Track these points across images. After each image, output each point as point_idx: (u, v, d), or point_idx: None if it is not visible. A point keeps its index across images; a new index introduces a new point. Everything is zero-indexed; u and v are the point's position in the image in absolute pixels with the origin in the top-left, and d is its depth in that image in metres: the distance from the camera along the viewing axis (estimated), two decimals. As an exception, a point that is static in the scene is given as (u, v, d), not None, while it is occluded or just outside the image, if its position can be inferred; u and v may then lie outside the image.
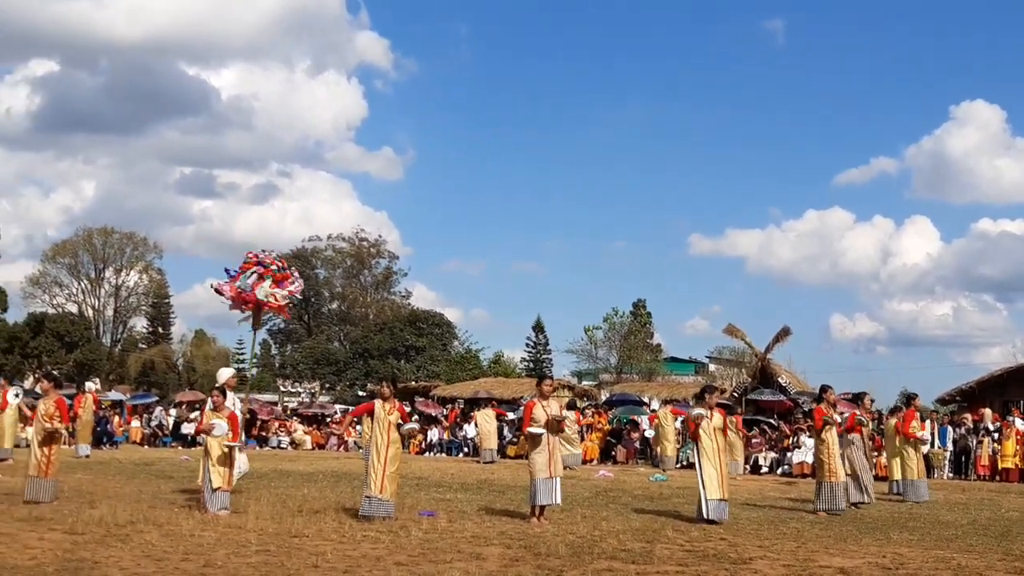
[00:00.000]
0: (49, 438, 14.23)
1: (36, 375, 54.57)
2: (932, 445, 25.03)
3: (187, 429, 36.03)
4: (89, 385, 30.47)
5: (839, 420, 16.23)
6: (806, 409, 28.28)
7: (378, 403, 13.27)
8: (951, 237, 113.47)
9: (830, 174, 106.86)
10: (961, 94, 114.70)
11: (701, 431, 13.78)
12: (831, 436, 15.65)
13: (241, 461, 14.30)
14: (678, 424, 25.47)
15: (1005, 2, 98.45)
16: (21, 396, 24.32)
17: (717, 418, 14.01)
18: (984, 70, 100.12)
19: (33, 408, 16.65)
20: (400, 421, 13.17)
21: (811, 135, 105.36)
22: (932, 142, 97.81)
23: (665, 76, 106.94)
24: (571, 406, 27.56)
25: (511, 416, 31.71)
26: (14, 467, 20.00)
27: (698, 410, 14.17)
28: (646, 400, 36.93)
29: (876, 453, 21.86)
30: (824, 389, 16.27)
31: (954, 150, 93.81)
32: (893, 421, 19.53)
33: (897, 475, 19.14)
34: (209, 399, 14.05)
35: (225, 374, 14.67)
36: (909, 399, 20.56)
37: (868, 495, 16.97)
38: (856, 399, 18.62)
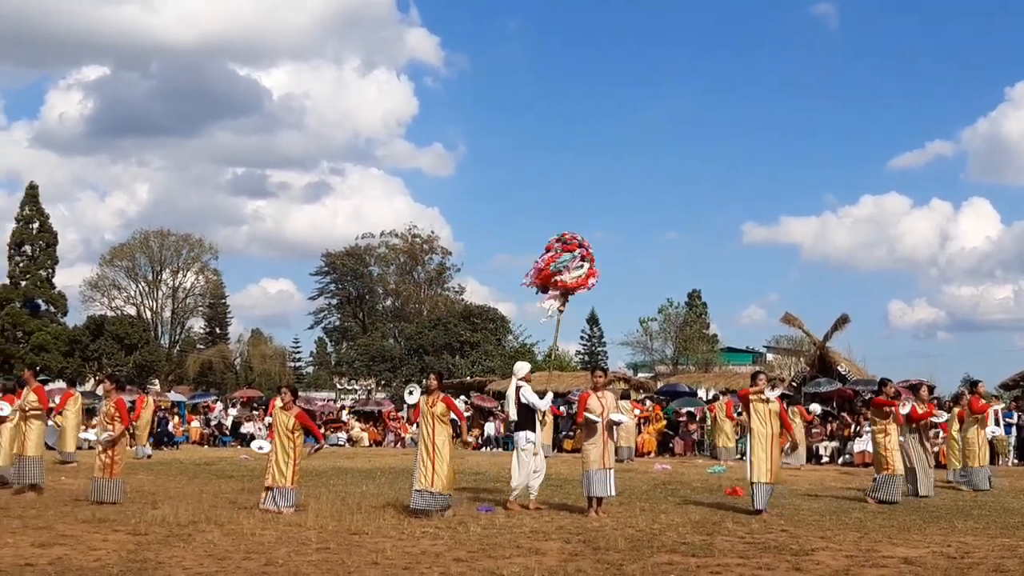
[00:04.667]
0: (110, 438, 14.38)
1: (97, 377, 55.46)
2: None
3: (247, 428, 36.40)
4: (149, 388, 30.85)
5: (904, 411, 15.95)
6: (866, 398, 27.92)
7: (422, 397, 13.26)
8: (1011, 219, 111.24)
9: (885, 158, 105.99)
10: (1016, 75, 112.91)
11: (755, 415, 13.58)
12: (891, 428, 15.41)
13: (538, 463, 14.13)
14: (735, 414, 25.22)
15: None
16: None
17: (774, 404, 13.83)
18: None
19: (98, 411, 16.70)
20: (445, 413, 13.06)
21: (865, 120, 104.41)
22: (988, 124, 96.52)
23: (714, 64, 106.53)
24: (625, 396, 27.40)
25: (563, 410, 31.63)
26: (77, 470, 20.28)
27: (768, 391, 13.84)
28: (700, 392, 36.71)
29: (940, 441, 21.51)
30: (883, 383, 16.06)
31: (1011, 132, 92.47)
32: (956, 409, 19.21)
33: (958, 463, 18.81)
34: (278, 398, 14.05)
35: (523, 369, 14.50)
36: (973, 385, 20.22)
37: (928, 488, 16.61)
38: (913, 390, 18.34)
